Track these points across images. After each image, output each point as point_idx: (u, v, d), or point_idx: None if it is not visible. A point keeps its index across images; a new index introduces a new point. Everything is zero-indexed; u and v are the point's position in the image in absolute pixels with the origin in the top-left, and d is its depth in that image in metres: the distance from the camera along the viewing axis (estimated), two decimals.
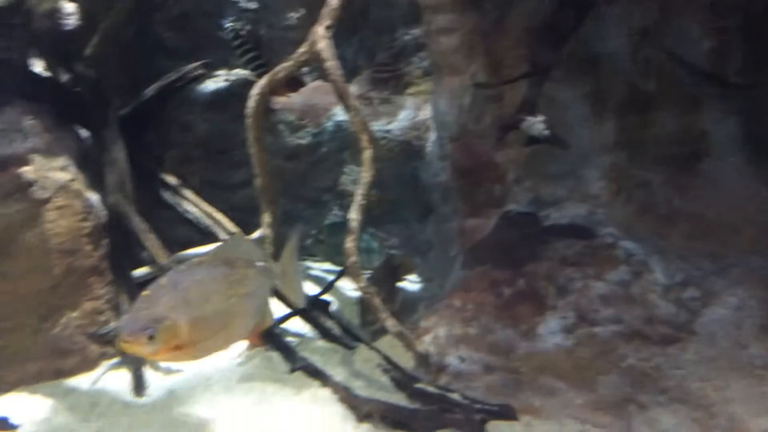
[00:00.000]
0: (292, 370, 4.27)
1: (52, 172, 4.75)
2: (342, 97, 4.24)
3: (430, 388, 3.63)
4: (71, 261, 4.65)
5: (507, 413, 3.20)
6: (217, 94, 6.37)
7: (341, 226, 6.26)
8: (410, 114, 6.12)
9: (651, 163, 4.05)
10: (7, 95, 4.97)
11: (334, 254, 6.22)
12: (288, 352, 4.42)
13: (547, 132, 3.55)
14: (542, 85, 3.77)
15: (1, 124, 4.87)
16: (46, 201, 4.65)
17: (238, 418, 3.81)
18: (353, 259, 3.97)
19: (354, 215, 4.04)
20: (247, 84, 6.38)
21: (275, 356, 4.55)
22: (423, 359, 3.87)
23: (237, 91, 6.39)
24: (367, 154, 4.12)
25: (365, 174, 4.09)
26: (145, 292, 2.36)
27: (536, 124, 3.55)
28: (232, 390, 4.15)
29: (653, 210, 4.02)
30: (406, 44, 6.37)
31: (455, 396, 3.45)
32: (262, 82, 4.48)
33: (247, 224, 5.59)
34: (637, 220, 3.98)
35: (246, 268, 2.53)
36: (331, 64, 4.23)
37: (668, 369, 3.38)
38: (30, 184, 4.61)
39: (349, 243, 3.99)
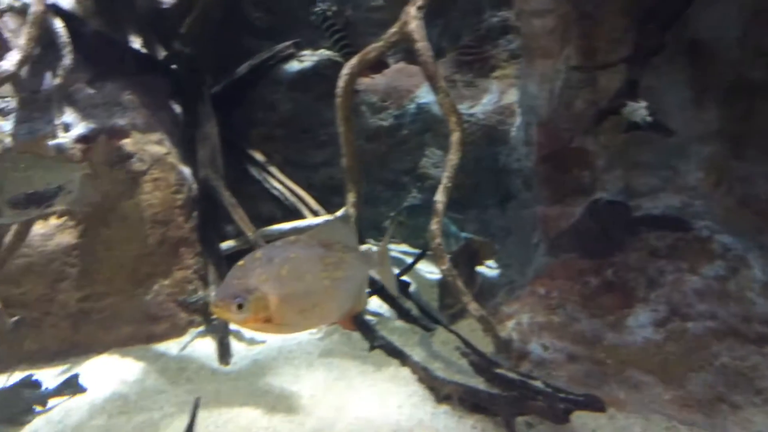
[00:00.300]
0: (372, 348, 4.32)
1: (149, 145, 4.95)
2: (431, 79, 4.22)
3: (511, 374, 3.60)
4: (164, 231, 4.86)
5: (594, 404, 3.14)
6: (302, 74, 6.46)
7: (420, 209, 6.29)
8: (494, 98, 6.04)
9: (753, 156, 3.86)
10: (108, 71, 5.20)
11: (412, 236, 6.25)
12: (367, 331, 4.48)
13: (650, 118, 3.42)
14: (644, 70, 3.64)
15: (102, 98, 5.10)
16: (143, 173, 4.86)
17: (319, 392, 3.89)
18: (438, 241, 3.97)
19: (439, 197, 4.04)
20: (331, 65, 6.46)
21: (354, 334, 4.62)
22: (504, 345, 3.85)
23: (321, 72, 6.47)
24: (456, 136, 4.09)
25: (452, 156, 4.08)
26: (240, 262, 2.42)
27: (639, 110, 3.43)
28: (313, 364, 4.25)
29: (753, 204, 3.84)
30: (493, 26, 6.28)
31: (537, 383, 3.41)
32: (353, 61, 4.51)
33: (327, 203, 5.68)
34: (736, 213, 3.80)
35: (343, 253, 2.54)
36: (422, 45, 4.22)
37: (766, 369, 3.24)
38: (129, 156, 4.82)
39: (434, 225, 3.99)
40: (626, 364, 3.50)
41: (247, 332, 4.82)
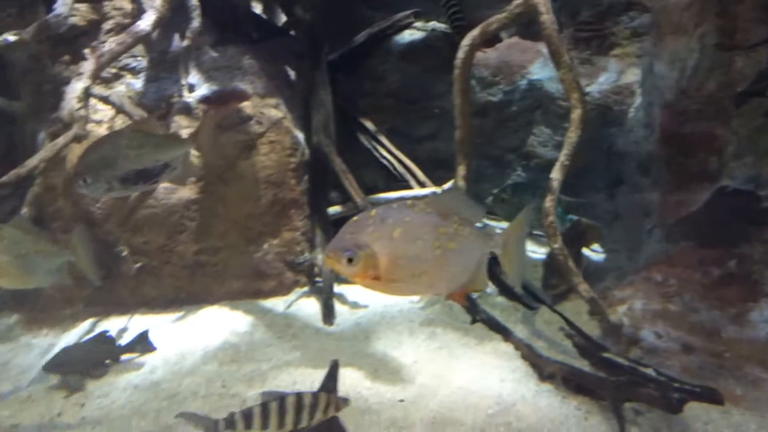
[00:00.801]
0: (474, 321, 4.33)
1: (267, 109, 5.11)
2: (555, 53, 4.11)
3: (620, 360, 3.52)
4: (276, 192, 5.02)
5: (712, 396, 3.03)
6: (412, 45, 6.44)
7: (524, 187, 6.18)
8: (612, 77, 5.82)
9: None
10: (231, 35, 5.39)
11: (514, 215, 6.17)
12: (470, 304, 4.48)
13: None
14: None
15: (225, 61, 5.29)
16: (261, 135, 5.02)
17: (421, 359, 3.95)
18: (551, 219, 3.90)
19: (555, 175, 3.96)
20: (442, 37, 6.41)
21: (456, 306, 4.64)
22: (614, 329, 3.76)
23: (432, 44, 6.43)
24: (577, 113, 3.99)
25: (572, 134, 3.98)
26: (355, 218, 2.43)
27: None
28: (415, 332, 4.31)
29: None
30: (614, 2, 6.03)
31: (649, 371, 3.32)
32: (474, 33, 4.46)
33: (430, 177, 5.69)
34: None
35: (460, 225, 2.49)
36: (547, 18, 4.11)
37: None
38: (248, 118, 5.00)
39: (548, 203, 3.92)
40: (746, 360, 3.35)
41: (351, 296, 4.94)
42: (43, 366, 3.97)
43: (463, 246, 2.50)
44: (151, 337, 4.38)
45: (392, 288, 2.46)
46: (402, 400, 3.46)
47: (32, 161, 3.92)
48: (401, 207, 2.50)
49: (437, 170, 5.89)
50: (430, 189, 5.18)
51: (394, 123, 6.44)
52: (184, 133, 4.67)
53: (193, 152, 3.66)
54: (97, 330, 4.69)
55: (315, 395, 2.68)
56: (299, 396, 2.65)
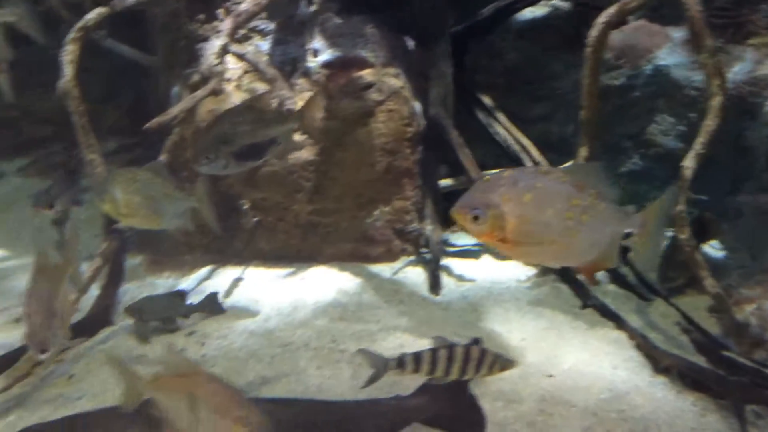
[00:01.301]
0: (584, 306, 4.27)
1: (387, 77, 5.16)
2: (698, 36, 3.94)
3: (742, 360, 3.39)
4: (391, 161, 5.09)
5: None
6: (533, 23, 6.30)
7: (641, 175, 5.98)
8: (748, 67, 5.50)
9: None
10: (354, 3, 5.45)
11: (630, 202, 5.98)
12: (580, 288, 4.42)
13: None
14: None
15: (348, 29, 5.37)
16: (380, 103, 5.09)
17: (529, 337, 3.94)
18: (681, 208, 3.77)
19: (689, 163, 3.82)
20: (564, 16, 6.24)
21: (564, 289, 4.59)
22: (738, 328, 3.61)
23: (553, 23, 6.27)
24: (716, 101, 3.82)
25: (710, 122, 3.82)
26: (486, 178, 2.41)
27: None
28: (522, 310, 4.30)
29: None
30: None
31: None
32: (611, 11, 4.32)
33: None
34: None
35: (595, 199, 2.39)
36: None
37: None
38: (369, 85, 5.07)
39: (679, 191, 3.78)
40: None
41: (457, 269, 4.97)
42: (124, 308, 4.18)
43: (597, 220, 2.41)
44: (262, 289, 4.59)
45: (517, 252, 2.42)
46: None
47: (174, 110, 4.14)
48: (536, 172, 2.47)
49: (547, 153, 5.78)
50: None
51: (506, 102, 6.34)
52: (305, 96, 4.76)
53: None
54: (216, 277, 4.94)
55: (483, 350, 2.70)
56: (468, 348, 2.68)
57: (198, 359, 3.88)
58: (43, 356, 2.36)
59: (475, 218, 2.30)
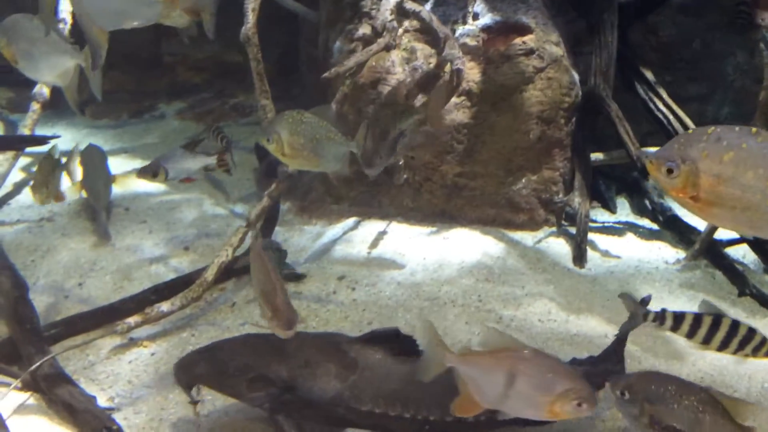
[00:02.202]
0: (741, 294, 4.11)
1: (548, 45, 5.08)
2: None
3: None
4: (545, 129, 5.04)
5: None
6: None
7: None
8: None
9: None
10: None
11: None
12: (736, 275, 4.26)
13: None
14: None
15: None
16: (540, 70, 5.03)
17: None
18: None
19: None
20: None
21: (719, 275, 4.42)
22: None
23: (719, 1, 5.93)
24: None
25: None
26: (690, 130, 2.33)
27: None
28: (674, 293, 4.20)
29: None
30: None
31: None
32: None
33: None
34: None
35: None
36: None
37: None
38: (530, 52, 5.02)
39: None
40: None
41: (603, 245, 4.90)
42: None
43: None
44: (407, 244, 4.73)
45: (709, 214, 2.25)
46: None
47: (350, 62, 4.29)
48: (744, 132, 2.25)
49: None
50: None
51: (659, 79, 6.06)
52: (458, 63, 4.74)
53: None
54: (360, 228, 5.12)
55: (752, 329, 2.61)
56: (736, 323, 2.60)
57: (349, 302, 4.08)
58: (290, 333, 2.56)
59: (669, 171, 2.15)
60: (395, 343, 2.82)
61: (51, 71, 3.28)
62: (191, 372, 2.88)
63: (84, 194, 4.85)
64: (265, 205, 4.23)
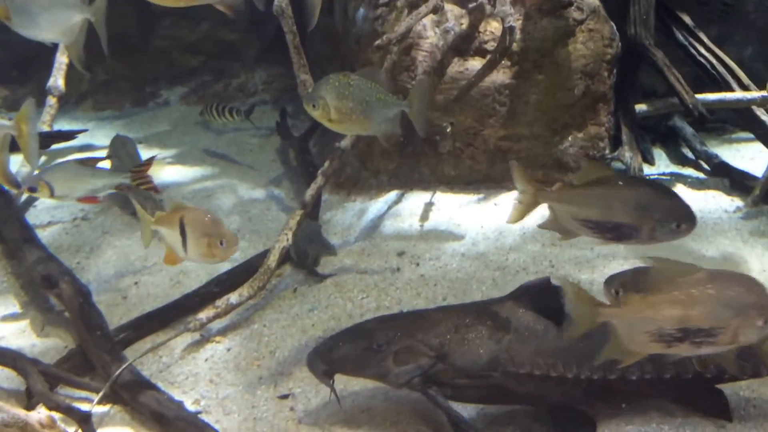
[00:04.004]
0: None
1: None
2: None
3: None
4: (589, 84, 4.86)
5: None
6: None
7: None
8: None
9: None
10: None
11: None
12: None
13: None
14: None
15: None
16: (581, 22, 4.84)
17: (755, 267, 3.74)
18: None
19: None
20: None
21: None
22: None
23: None
24: None
25: None
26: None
27: None
28: (748, 242, 4.11)
29: None
30: None
31: None
32: None
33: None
34: None
35: None
36: None
37: None
38: (570, 3, 4.81)
39: None
40: None
41: None
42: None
43: None
44: (458, 214, 4.56)
45: None
46: None
47: (400, 28, 4.06)
48: None
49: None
50: (757, 93, 4.73)
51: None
52: (510, 20, 4.51)
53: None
54: (404, 201, 4.93)
55: None
56: None
57: (417, 279, 3.92)
58: None
59: None
60: (548, 295, 2.61)
61: (52, 28, 2.90)
62: (330, 357, 2.66)
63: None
64: (319, 185, 4.03)
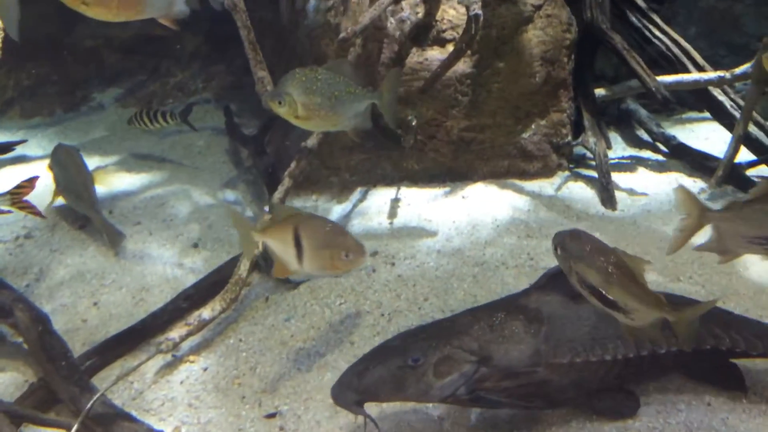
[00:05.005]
0: None
1: None
2: None
3: None
4: (550, 70, 4.82)
5: None
6: None
7: None
8: None
9: None
10: None
11: None
12: None
13: None
14: None
15: None
16: (538, 8, 4.78)
17: None
18: None
19: None
20: None
21: None
22: None
23: None
24: None
25: None
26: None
27: None
28: None
29: None
30: None
31: None
32: None
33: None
34: None
35: None
36: None
37: None
38: None
39: None
40: None
41: (623, 183, 4.78)
42: None
43: None
44: (427, 209, 4.44)
45: None
46: None
47: (365, 19, 3.88)
48: None
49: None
50: (713, 73, 4.79)
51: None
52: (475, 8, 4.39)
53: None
54: (369, 198, 4.77)
55: None
56: None
57: (394, 279, 3.77)
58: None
59: None
60: None
61: None
62: (361, 385, 2.42)
63: (63, 201, 4.27)
64: (287, 187, 3.83)
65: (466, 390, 2.41)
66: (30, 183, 3.10)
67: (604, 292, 2.23)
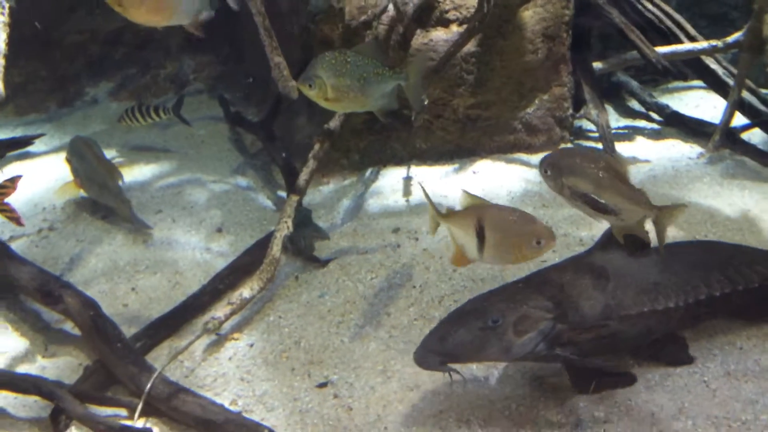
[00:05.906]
0: None
1: None
2: None
3: None
4: (551, 46, 4.96)
5: None
6: None
7: None
8: None
9: None
10: None
11: None
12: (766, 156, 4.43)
13: None
14: None
15: None
16: None
17: (753, 208, 3.97)
18: None
19: None
20: None
21: (748, 161, 4.60)
22: None
23: None
24: None
25: None
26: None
27: None
28: (723, 184, 4.31)
29: None
30: None
31: None
32: None
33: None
34: None
35: None
36: None
37: None
38: None
39: None
40: None
41: (627, 151, 4.96)
42: None
43: None
44: (441, 186, 4.55)
45: None
46: None
47: (382, 1, 3.95)
48: None
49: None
50: (705, 43, 4.97)
51: None
52: None
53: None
54: (381, 179, 4.86)
55: None
56: None
57: (420, 253, 3.89)
58: None
59: None
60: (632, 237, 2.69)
61: None
62: (444, 348, 2.54)
63: (84, 193, 4.29)
64: (312, 168, 3.91)
65: (544, 346, 2.56)
66: (12, 183, 2.92)
67: (596, 198, 2.39)
